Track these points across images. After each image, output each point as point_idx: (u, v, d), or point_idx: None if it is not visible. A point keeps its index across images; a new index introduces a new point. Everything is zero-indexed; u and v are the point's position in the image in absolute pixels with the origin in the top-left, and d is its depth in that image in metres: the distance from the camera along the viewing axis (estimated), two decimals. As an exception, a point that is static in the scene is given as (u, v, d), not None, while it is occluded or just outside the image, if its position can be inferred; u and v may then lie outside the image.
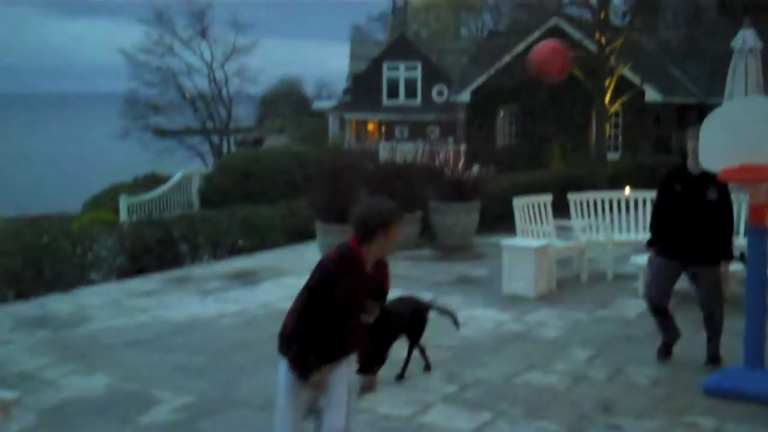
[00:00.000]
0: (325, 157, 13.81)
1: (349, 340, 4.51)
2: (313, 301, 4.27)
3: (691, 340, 7.31)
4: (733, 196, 7.18)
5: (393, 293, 7.48)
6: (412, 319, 6.89)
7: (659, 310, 7.04)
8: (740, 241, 9.60)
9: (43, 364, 7.47)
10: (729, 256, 6.99)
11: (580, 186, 13.92)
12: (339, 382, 4.44)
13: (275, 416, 4.49)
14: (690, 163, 6.86)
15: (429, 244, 13.34)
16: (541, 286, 9.91)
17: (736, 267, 8.94)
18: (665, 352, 7.24)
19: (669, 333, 7.20)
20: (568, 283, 10.58)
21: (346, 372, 4.50)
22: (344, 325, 4.40)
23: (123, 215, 18.40)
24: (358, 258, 4.38)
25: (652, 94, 25.86)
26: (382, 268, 4.57)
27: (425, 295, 9.75)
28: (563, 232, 11.39)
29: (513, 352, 7.73)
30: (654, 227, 7.22)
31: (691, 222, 6.83)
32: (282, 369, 4.41)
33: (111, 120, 43.38)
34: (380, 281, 4.61)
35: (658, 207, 7.25)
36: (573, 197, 11.45)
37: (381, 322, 5.05)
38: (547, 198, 11.30)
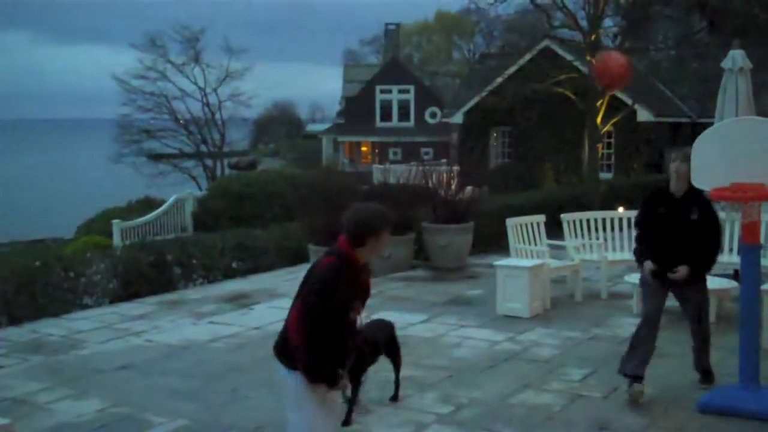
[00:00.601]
0: (318, 180, 13.82)
1: (349, 341, 4.52)
2: (323, 306, 4.26)
3: (686, 359, 7.29)
4: (725, 215, 7.20)
5: (381, 316, 7.49)
6: (389, 343, 6.83)
7: (653, 323, 6.84)
8: (733, 259, 9.65)
9: (36, 389, 7.42)
10: (707, 269, 6.99)
11: (573, 206, 13.95)
12: None
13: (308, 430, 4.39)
14: (672, 184, 6.84)
15: (423, 265, 13.34)
16: (536, 306, 9.90)
17: (729, 284, 8.98)
18: (640, 372, 6.83)
19: (647, 350, 6.85)
20: (563, 302, 10.57)
21: None
22: (344, 327, 4.42)
23: (116, 239, 18.38)
24: (354, 260, 4.44)
25: (644, 114, 25.99)
26: (366, 269, 4.61)
27: (419, 317, 9.76)
28: (557, 251, 11.40)
29: (508, 371, 7.70)
30: (639, 251, 7.10)
31: (674, 243, 6.79)
32: (297, 382, 4.34)
33: (104, 145, 43.36)
34: (366, 282, 4.66)
35: (641, 229, 7.17)
36: (566, 217, 11.46)
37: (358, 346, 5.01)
38: (541, 218, 11.33)
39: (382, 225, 4.50)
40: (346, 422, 6.06)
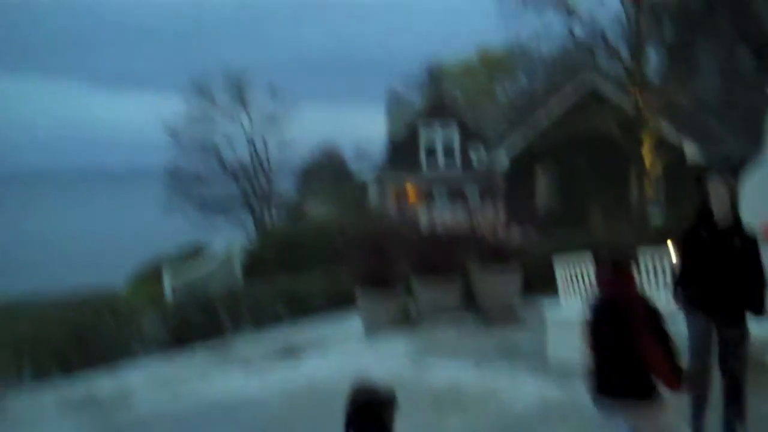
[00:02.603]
0: (364, 225, 13.84)
1: None
2: None
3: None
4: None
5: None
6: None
7: (704, 383, 6.37)
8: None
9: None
10: (759, 311, 6.29)
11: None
12: None
13: None
14: (716, 212, 6.29)
15: (471, 309, 13.22)
16: (588, 351, 9.71)
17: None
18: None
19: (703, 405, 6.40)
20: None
21: None
22: None
23: (167, 288, 18.55)
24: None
25: (692, 151, 25.67)
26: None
27: (467, 364, 9.65)
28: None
29: (561, 425, 7.53)
30: (679, 281, 6.64)
31: (716, 275, 6.28)
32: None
33: (154, 193, 43.98)
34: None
35: (682, 259, 6.70)
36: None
37: None
38: (589, 258, 11.18)
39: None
40: None
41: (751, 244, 6.26)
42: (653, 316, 4.94)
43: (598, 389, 5.16)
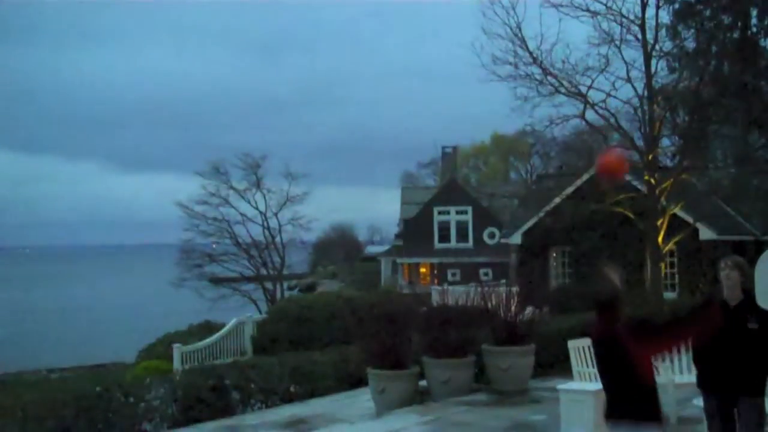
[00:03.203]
0: (376, 302, 13.79)
1: None
2: None
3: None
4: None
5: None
6: None
7: None
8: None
9: None
10: (757, 390, 6.48)
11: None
12: None
13: None
14: (726, 293, 6.53)
15: (484, 388, 13.06)
16: (602, 432, 9.55)
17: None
18: None
19: None
20: (630, 428, 10.17)
21: None
22: None
23: (177, 363, 18.44)
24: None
25: (706, 233, 25.63)
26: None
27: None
28: (622, 374, 11.05)
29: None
30: (696, 362, 6.85)
31: (730, 352, 6.43)
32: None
33: (167, 270, 44.10)
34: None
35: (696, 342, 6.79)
36: (630, 338, 11.17)
37: None
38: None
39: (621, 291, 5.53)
40: None
41: (766, 323, 6.39)
42: (641, 330, 5.40)
43: (608, 414, 5.54)
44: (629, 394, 5.35)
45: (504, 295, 14.15)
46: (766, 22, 24.18)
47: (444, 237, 50.16)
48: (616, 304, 5.47)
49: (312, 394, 13.83)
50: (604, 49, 20.45)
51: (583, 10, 20.54)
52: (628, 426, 5.31)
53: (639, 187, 22.45)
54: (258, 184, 44.26)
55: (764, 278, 6.35)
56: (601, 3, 20.48)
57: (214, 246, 44.36)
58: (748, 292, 6.48)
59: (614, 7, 20.52)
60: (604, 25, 20.56)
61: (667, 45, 21.74)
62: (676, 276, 27.07)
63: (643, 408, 5.33)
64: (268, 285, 43.77)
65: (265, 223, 44.54)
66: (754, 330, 6.42)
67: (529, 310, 13.38)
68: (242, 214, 43.98)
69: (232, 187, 43.56)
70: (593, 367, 10.69)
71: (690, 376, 10.62)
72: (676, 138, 23.66)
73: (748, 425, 6.53)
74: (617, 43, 20.44)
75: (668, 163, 23.05)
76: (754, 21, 24.41)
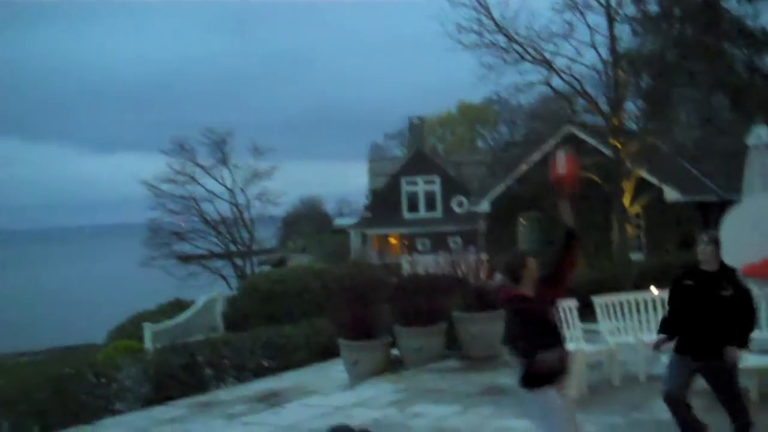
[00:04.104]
0: (346, 274, 13.80)
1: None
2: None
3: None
4: (757, 290, 7.02)
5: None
6: None
7: (676, 403, 6.72)
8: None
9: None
10: (743, 344, 6.74)
11: (606, 288, 13.75)
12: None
13: None
14: (703, 266, 6.79)
15: (456, 354, 13.14)
16: (573, 392, 9.65)
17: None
18: None
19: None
20: (600, 387, 10.31)
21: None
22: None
23: (148, 343, 18.37)
24: (521, 295, 5.93)
25: (672, 194, 25.91)
26: (537, 286, 5.97)
27: (454, 409, 9.56)
28: (591, 335, 11.19)
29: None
30: (664, 321, 7.14)
31: (704, 319, 6.67)
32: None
33: (135, 249, 43.82)
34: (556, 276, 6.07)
35: (670, 303, 7.14)
36: (598, 300, 11.29)
37: None
38: (572, 302, 11.14)
39: (525, 256, 6.13)
40: None
41: (741, 289, 6.69)
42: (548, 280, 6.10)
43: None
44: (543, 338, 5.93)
45: (473, 262, 14.23)
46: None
47: (412, 207, 50.20)
48: (520, 270, 6.06)
49: (285, 367, 13.83)
50: (568, 15, 20.44)
51: (546, -24, 20.49)
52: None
53: (605, 151, 22.58)
54: (224, 161, 44.01)
55: (729, 237, 6.45)
56: (564, -32, 20.43)
57: (181, 224, 44.12)
58: (725, 264, 6.71)
59: (577, -28, 20.48)
60: (568, -9, 20.52)
61: (631, 9, 21.76)
62: (643, 238, 27.36)
63: (547, 342, 5.89)
64: (238, 261, 43.67)
65: (233, 200, 44.36)
66: (727, 297, 6.64)
67: (498, 276, 13.45)
68: (209, 191, 43.77)
69: (198, 164, 43.30)
70: (562, 329, 10.78)
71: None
72: (641, 101, 23.78)
73: (723, 387, 6.73)
74: (581, 8, 20.43)
75: (633, 126, 23.15)
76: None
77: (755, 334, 7.05)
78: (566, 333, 10.70)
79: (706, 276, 6.74)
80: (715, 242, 6.70)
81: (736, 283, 6.68)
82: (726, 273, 6.64)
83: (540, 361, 5.68)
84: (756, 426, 6.89)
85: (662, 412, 8.76)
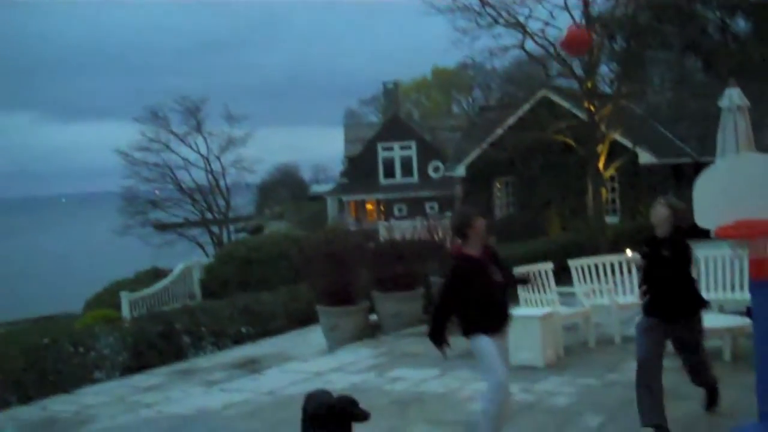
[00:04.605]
0: (323, 240, 13.81)
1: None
2: (440, 297, 6.57)
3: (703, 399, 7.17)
4: (732, 252, 7.12)
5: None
6: (328, 417, 4.84)
7: (650, 369, 6.65)
8: (746, 296, 9.54)
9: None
10: (700, 305, 6.93)
11: (581, 251, 13.89)
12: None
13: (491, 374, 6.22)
14: (656, 230, 6.92)
15: (433, 319, 13.21)
16: (549, 355, 9.79)
17: (743, 321, 8.87)
18: (662, 421, 6.57)
19: (650, 412, 6.60)
20: (576, 349, 10.45)
21: None
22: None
23: (125, 311, 18.32)
24: (467, 255, 6.24)
25: (645, 156, 26.06)
26: (487, 248, 6.35)
27: (432, 372, 9.65)
28: (567, 298, 11.31)
29: (525, 423, 7.57)
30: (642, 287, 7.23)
31: (661, 282, 6.82)
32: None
33: (110, 218, 43.57)
34: (492, 254, 6.43)
35: (642, 270, 7.29)
36: (574, 263, 11.40)
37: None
38: (548, 266, 11.25)
39: (471, 215, 6.29)
40: None
41: (676, 250, 6.79)
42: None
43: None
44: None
45: (449, 227, 14.28)
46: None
47: (389, 173, 50.18)
48: (466, 228, 6.31)
49: (263, 334, 13.88)
50: (541, -23, 20.37)
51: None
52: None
53: (579, 114, 22.65)
54: (198, 128, 43.72)
55: (702, 198, 6.50)
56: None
57: (156, 192, 43.90)
58: (680, 228, 6.80)
59: (550, -66, 20.39)
60: (541, -47, 20.45)
61: (604, -29, 21.73)
62: (617, 201, 27.56)
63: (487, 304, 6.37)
64: (215, 229, 43.57)
65: (208, 167, 44.14)
66: (668, 257, 6.78)
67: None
68: (184, 159, 43.51)
69: (172, 132, 42.99)
70: (539, 292, 10.90)
71: (633, 297, 10.92)
72: (615, 64, 23.84)
73: (687, 345, 6.84)
74: (554, -30, 20.37)
75: (607, 89, 23.22)
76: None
77: (727, 295, 7.15)
78: (542, 296, 10.83)
79: (657, 241, 6.89)
80: (670, 207, 6.78)
81: (674, 241, 6.78)
82: (675, 236, 6.75)
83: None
84: (729, 383, 7.03)
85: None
